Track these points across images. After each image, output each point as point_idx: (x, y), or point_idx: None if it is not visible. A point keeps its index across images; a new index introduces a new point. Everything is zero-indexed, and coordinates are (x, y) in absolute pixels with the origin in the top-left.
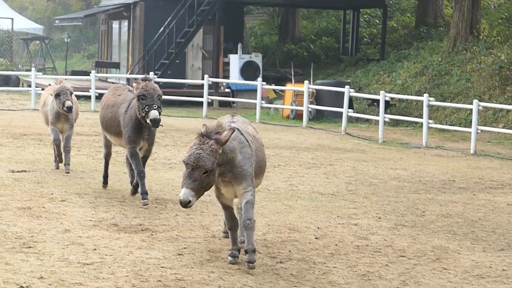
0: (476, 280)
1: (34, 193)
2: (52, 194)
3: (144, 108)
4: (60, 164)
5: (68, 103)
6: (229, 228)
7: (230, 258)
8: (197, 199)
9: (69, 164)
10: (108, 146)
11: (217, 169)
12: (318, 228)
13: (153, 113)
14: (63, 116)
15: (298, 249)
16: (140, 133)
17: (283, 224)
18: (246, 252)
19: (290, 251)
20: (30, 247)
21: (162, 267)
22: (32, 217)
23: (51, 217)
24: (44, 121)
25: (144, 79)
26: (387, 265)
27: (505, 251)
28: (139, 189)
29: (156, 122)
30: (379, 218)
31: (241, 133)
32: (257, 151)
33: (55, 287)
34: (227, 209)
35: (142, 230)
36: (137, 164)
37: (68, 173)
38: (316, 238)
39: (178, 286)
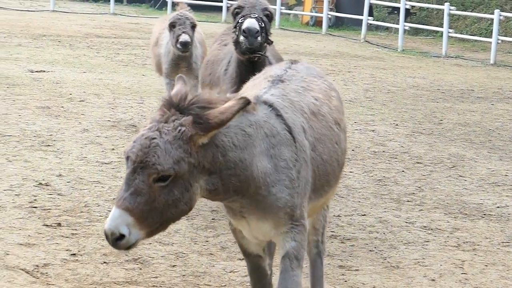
0: (492, 188)
1: (53, 93)
2: (71, 94)
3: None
4: None
5: (184, 37)
6: None
7: None
8: (145, 234)
9: None
10: None
11: (196, 178)
12: None
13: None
14: (184, 63)
15: None
16: None
17: None
18: None
19: None
20: (49, 145)
21: None
22: (51, 116)
23: (70, 116)
24: (155, 67)
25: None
26: (403, 171)
27: None
28: None
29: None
30: (397, 125)
31: (279, 114)
32: (317, 144)
33: (73, 184)
34: (250, 257)
35: None
36: None
37: None
38: None
39: None
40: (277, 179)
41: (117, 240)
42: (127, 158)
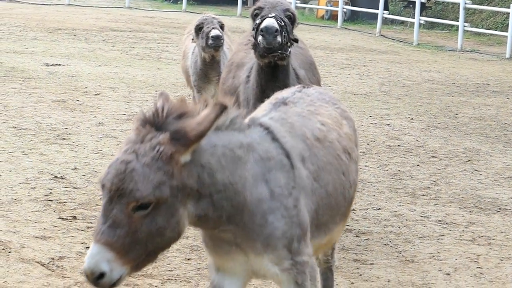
0: (507, 182)
1: (68, 86)
2: (86, 87)
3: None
4: None
5: (214, 31)
6: None
7: None
8: (129, 269)
9: None
10: None
11: (182, 202)
12: None
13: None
14: (213, 72)
15: None
16: None
17: None
18: None
19: None
20: (64, 138)
21: None
22: (67, 109)
23: (85, 110)
24: (186, 83)
25: None
26: (418, 165)
27: None
28: None
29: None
30: (412, 119)
31: (275, 138)
32: (320, 173)
33: (88, 178)
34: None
35: None
36: None
37: None
38: None
39: None
40: (273, 206)
41: (98, 279)
42: (103, 186)
